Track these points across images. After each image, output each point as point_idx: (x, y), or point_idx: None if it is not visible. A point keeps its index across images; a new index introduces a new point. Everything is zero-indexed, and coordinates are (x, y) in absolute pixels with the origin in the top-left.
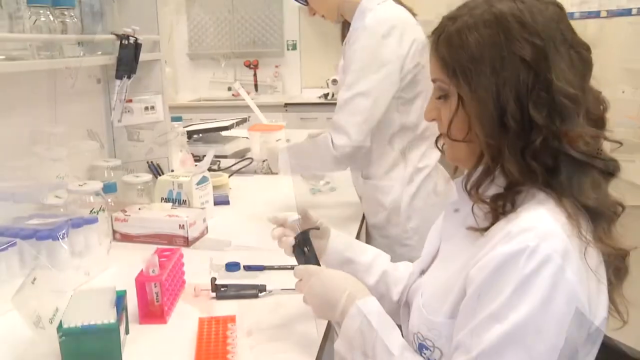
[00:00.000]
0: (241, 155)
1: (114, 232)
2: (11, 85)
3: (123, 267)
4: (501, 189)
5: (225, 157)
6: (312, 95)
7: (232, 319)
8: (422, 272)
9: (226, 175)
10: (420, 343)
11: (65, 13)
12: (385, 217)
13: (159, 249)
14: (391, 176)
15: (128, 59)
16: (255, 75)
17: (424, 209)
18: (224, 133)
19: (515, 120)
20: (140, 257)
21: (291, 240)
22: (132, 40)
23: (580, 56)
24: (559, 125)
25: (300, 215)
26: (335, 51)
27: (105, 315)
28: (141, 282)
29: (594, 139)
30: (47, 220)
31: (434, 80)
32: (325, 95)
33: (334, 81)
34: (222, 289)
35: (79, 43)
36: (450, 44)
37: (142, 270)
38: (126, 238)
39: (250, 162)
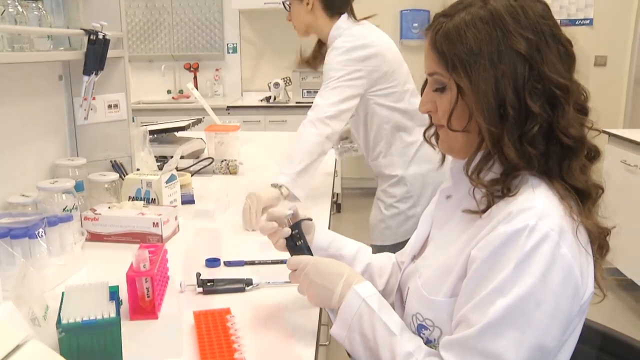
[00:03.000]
0: (196, 156)
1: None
2: None
3: (97, 266)
4: (497, 175)
5: (181, 157)
6: (254, 98)
7: (228, 311)
8: (414, 258)
9: (189, 174)
10: (420, 324)
11: (34, 5)
12: (390, 183)
13: (142, 245)
14: (391, 152)
15: (96, 55)
16: (195, 78)
17: (419, 174)
18: (178, 134)
19: (513, 109)
20: (113, 255)
21: (287, 231)
22: (100, 35)
23: (566, 50)
24: (552, 113)
25: (292, 210)
26: (276, 55)
27: (105, 310)
28: (132, 277)
29: (581, 126)
30: (19, 218)
31: (430, 74)
32: (267, 99)
33: (276, 84)
34: (208, 284)
35: (48, 36)
36: (449, 39)
37: (131, 266)
38: (96, 237)
39: (211, 162)
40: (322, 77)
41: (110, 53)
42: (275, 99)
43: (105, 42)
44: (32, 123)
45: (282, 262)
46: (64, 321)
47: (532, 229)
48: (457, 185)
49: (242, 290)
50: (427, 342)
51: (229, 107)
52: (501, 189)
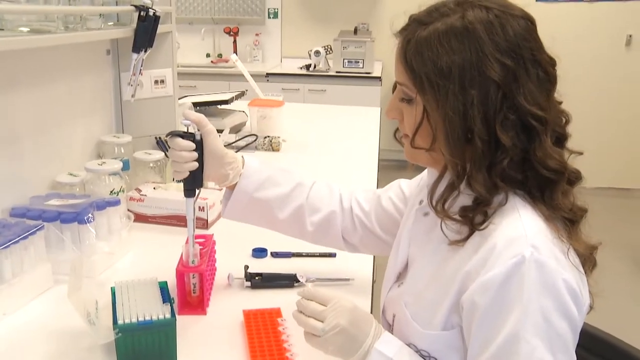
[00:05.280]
0: (237, 129)
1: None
2: (22, 58)
3: (143, 251)
4: (471, 197)
5: (221, 131)
6: (293, 65)
7: (278, 312)
8: (398, 276)
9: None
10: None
11: None
12: None
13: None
14: None
15: (146, 32)
16: (234, 42)
17: None
18: (220, 106)
19: (482, 140)
20: (158, 239)
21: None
22: (151, 12)
23: (547, 74)
24: (527, 145)
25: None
26: (317, 23)
27: (160, 310)
28: (181, 273)
29: (560, 155)
30: (68, 201)
31: (398, 83)
32: (307, 67)
33: (317, 52)
34: (256, 278)
35: (100, 15)
36: (420, 53)
37: (181, 259)
38: (141, 218)
39: (255, 139)
40: (364, 47)
41: (159, 28)
42: (315, 67)
43: (156, 19)
44: (79, 98)
45: (331, 255)
46: (120, 321)
47: (528, 260)
48: None
49: (290, 286)
50: None
51: (268, 74)
52: (473, 218)
